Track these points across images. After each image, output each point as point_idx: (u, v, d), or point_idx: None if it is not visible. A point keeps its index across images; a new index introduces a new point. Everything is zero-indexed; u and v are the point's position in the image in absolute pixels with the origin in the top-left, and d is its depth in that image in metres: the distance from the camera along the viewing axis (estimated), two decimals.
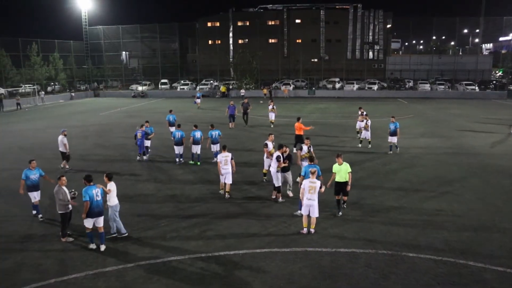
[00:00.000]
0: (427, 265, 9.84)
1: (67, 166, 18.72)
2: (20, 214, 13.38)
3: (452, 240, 11.21)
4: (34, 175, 13.04)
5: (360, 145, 23.17)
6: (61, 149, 18.51)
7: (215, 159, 18.28)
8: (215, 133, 19.34)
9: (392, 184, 16.21)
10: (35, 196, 13.03)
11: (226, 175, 14.54)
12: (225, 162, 14.45)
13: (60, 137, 18.47)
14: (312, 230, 11.69)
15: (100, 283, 9.20)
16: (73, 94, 58.79)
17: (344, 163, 12.94)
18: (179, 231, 11.98)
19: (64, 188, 11.27)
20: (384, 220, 12.67)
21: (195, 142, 18.96)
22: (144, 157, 20.30)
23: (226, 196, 14.70)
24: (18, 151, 23.00)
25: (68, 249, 10.95)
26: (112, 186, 11.45)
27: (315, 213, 11.53)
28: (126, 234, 11.57)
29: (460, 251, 10.53)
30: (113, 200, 11.41)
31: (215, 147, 19.22)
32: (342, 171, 12.91)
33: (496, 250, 10.60)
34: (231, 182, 14.67)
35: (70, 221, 11.62)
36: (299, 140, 19.93)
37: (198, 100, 44.19)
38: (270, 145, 15.83)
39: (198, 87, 62.17)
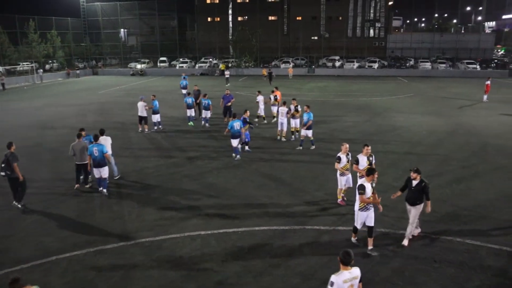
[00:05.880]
0: (424, 243, 9.95)
1: (146, 129, 21.82)
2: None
3: (449, 218, 11.32)
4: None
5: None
6: (140, 114, 21.56)
7: (205, 124, 22.85)
8: (205, 102, 22.67)
9: (391, 162, 16.25)
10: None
11: (282, 124, 19.45)
12: (281, 114, 19.30)
13: (140, 103, 21.52)
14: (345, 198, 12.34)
15: (102, 260, 9.32)
16: (78, 72, 58.42)
17: None
18: (178, 210, 12.07)
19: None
20: (382, 199, 12.72)
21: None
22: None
23: (282, 139, 19.50)
24: (19, 130, 22.99)
25: (69, 226, 11.06)
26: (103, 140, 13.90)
27: (350, 183, 12.11)
28: (118, 177, 14.63)
29: (457, 229, 10.64)
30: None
31: (206, 113, 22.76)
32: None
33: (492, 228, 10.71)
34: (285, 129, 19.57)
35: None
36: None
37: (184, 91, 33.10)
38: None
39: (182, 66, 60.85)
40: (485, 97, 32.15)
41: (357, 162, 11.57)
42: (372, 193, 9.36)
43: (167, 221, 11.32)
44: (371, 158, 11.57)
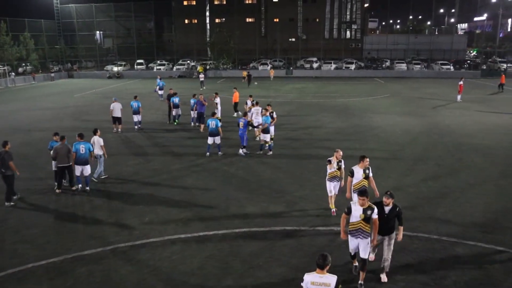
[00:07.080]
0: (403, 241, 10.04)
1: (119, 129, 22.19)
2: None
3: (426, 216, 11.52)
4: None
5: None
6: (114, 114, 21.89)
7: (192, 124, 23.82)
8: (192, 101, 23.42)
9: (371, 164, 16.40)
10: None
11: (258, 123, 18.50)
12: (256, 114, 19.07)
13: (114, 104, 21.87)
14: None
15: (79, 267, 9.14)
16: (52, 75, 57.23)
17: None
18: (157, 213, 11.96)
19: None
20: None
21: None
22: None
23: (260, 138, 18.43)
24: None
25: (45, 232, 10.82)
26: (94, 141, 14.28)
27: (336, 190, 11.62)
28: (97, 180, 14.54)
29: (434, 226, 10.84)
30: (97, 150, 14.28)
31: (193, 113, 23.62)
32: None
33: (467, 225, 10.95)
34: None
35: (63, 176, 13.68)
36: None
37: (160, 92, 33.97)
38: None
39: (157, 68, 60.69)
40: (458, 97, 32.88)
41: (352, 174, 10.47)
42: (363, 220, 8.03)
43: (146, 225, 11.19)
44: (367, 171, 10.54)
